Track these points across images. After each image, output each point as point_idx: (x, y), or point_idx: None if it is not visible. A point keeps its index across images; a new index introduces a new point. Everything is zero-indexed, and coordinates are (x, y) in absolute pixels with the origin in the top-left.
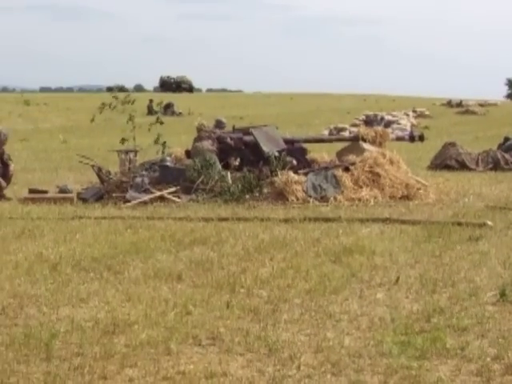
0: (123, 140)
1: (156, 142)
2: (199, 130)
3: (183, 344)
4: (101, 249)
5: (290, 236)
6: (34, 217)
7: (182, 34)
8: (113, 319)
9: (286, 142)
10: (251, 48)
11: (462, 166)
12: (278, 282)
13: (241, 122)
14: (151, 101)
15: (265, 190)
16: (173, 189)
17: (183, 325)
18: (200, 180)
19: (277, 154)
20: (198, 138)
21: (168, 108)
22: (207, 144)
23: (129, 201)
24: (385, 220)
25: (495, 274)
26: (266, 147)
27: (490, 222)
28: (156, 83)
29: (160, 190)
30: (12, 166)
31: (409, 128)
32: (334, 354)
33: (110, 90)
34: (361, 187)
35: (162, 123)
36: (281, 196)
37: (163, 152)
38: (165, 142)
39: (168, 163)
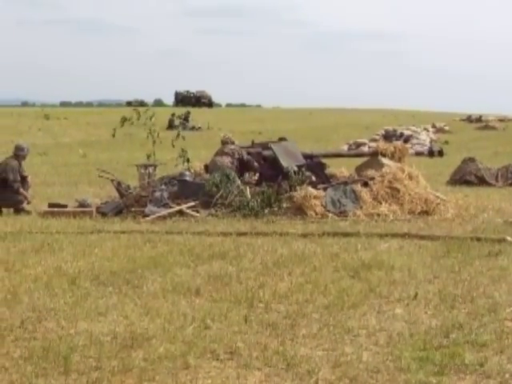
0: (148, 156)
1: (181, 156)
2: (224, 142)
3: (201, 358)
4: (119, 263)
5: (309, 251)
6: (54, 231)
7: (202, 49)
8: (131, 333)
9: (305, 156)
10: (270, 63)
11: (482, 182)
12: (296, 296)
13: (259, 137)
14: (173, 114)
15: (284, 205)
16: (192, 203)
17: (201, 339)
18: (219, 195)
19: (296, 168)
20: (219, 153)
21: (186, 120)
22: (227, 160)
23: (148, 215)
24: (404, 235)
25: None
26: (285, 162)
27: (509, 238)
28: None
29: (179, 204)
30: (29, 177)
31: (428, 143)
32: (352, 369)
33: (129, 104)
34: (380, 202)
35: (183, 138)
36: (300, 211)
37: (187, 165)
38: (188, 159)
39: (187, 178)
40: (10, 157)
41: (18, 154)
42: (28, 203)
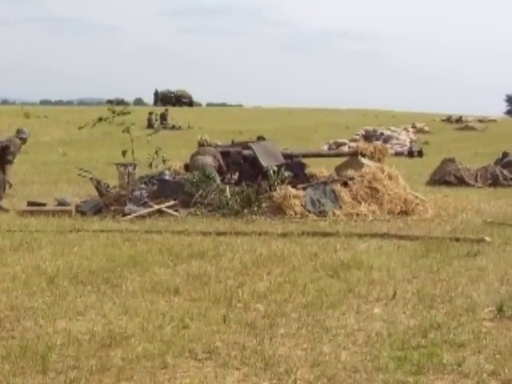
0: (124, 152)
1: (155, 154)
2: (201, 144)
3: (180, 358)
4: (98, 262)
5: (288, 250)
6: (32, 229)
7: (182, 48)
8: (109, 332)
9: (285, 156)
10: (251, 63)
11: (461, 182)
12: (275, 296)
13: (240, 137)
14: (151, 113)
15: (263, 205)
16: (171, 202)
17: (180, 338)
18: (198, 194)
19: (275, 168)
20: (200, 153)
21: (164, 118)
22: (210, 160)
23: (127, 214)
24: (383, 235)
25: (493, 290)
26: (264, 162)
27: (488, 238)
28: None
29: (158, 203)
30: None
31: (408, 143)
32: (330, 368)
33: (109, 102)
34: (359, 202)
35: (156, 131)
36: (279, 210)
37: (163, 165)
38: (163, 158)
39: (167, 177)
40: (14, 136)
41: (20, 136)
42: (10, 187)
